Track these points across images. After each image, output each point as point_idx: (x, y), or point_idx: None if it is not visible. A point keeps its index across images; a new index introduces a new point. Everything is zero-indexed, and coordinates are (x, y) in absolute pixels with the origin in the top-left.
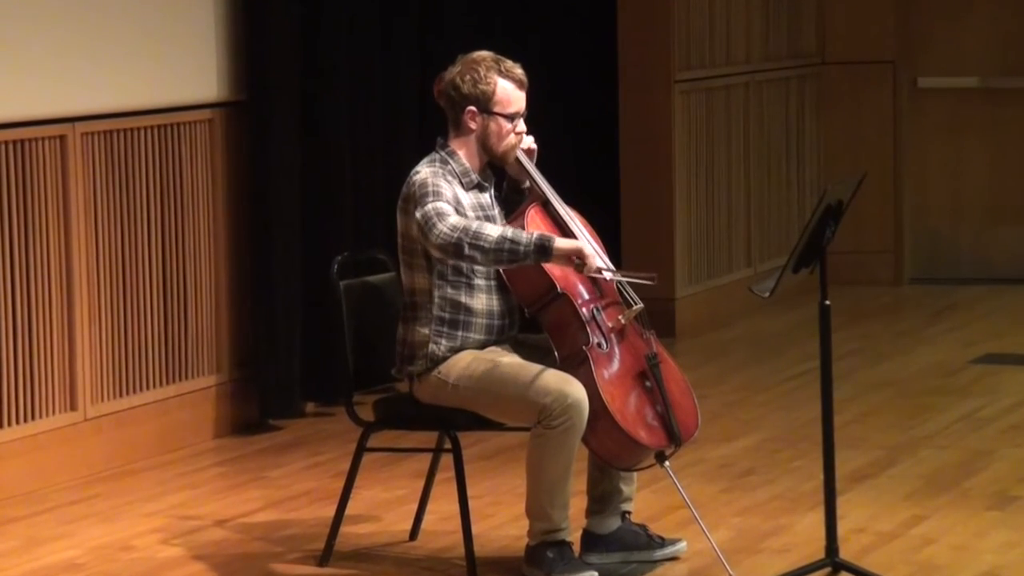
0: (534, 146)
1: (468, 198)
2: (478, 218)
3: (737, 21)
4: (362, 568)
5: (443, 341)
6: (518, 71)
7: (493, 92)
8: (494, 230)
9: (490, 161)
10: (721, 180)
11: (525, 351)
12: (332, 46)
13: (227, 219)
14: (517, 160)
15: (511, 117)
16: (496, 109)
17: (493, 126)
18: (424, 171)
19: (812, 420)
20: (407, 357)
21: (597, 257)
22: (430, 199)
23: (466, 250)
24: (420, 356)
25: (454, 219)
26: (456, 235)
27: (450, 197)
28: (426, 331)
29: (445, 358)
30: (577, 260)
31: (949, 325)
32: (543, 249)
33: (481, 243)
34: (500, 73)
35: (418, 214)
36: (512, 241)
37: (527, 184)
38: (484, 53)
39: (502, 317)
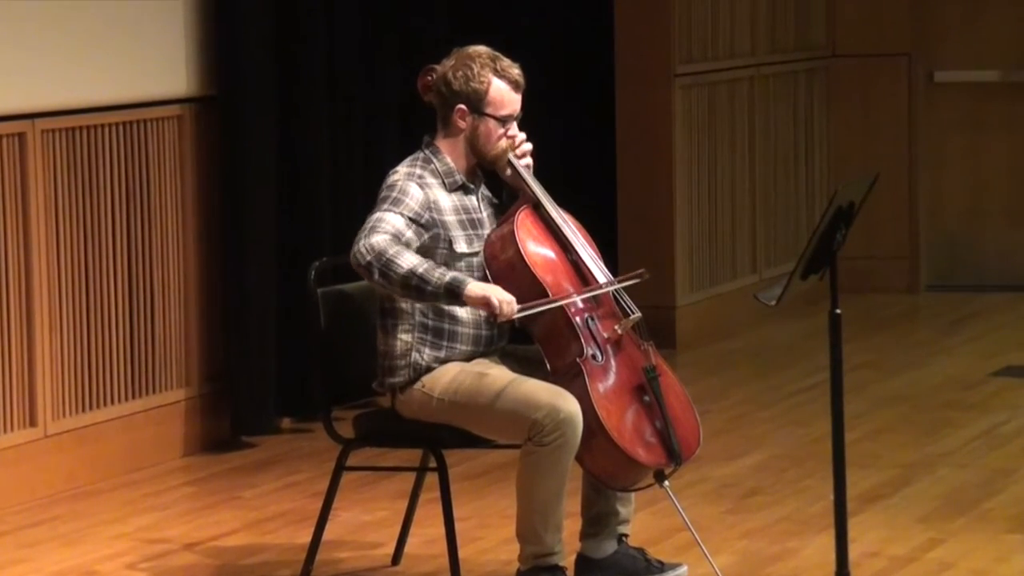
0: (530, 161)
1: (450, 200)
2: (461, 221)
3: (741, 11)
4: None
5: (427, 350)
6: (515, 71)
7: (486, 92)
8: (408, 262)
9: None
10: (724, 181)
11: (515, 363)
12: (309, 38)
13: (197, 222)
14: (508, 162)
15: (503, 120)
16: (488, 110)
17: (483, 128)
18: (401, 172)
19: (821, 437)
20: (388, 369)
21: (514, 304)
22: (384, 206)
23: (375, 275)
24: (402, 366)
25: (380, 238)
26: (369, 257)
27: (415, 206)
28: (408, 338)
29: (429, 369)
30: (488, 310)
31: (968, 335)
32: (453, 293)
33: (390, 273)
34: (495, 72)
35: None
36: (421, 279)
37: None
38: (480, 48)
39: (490, 327)
